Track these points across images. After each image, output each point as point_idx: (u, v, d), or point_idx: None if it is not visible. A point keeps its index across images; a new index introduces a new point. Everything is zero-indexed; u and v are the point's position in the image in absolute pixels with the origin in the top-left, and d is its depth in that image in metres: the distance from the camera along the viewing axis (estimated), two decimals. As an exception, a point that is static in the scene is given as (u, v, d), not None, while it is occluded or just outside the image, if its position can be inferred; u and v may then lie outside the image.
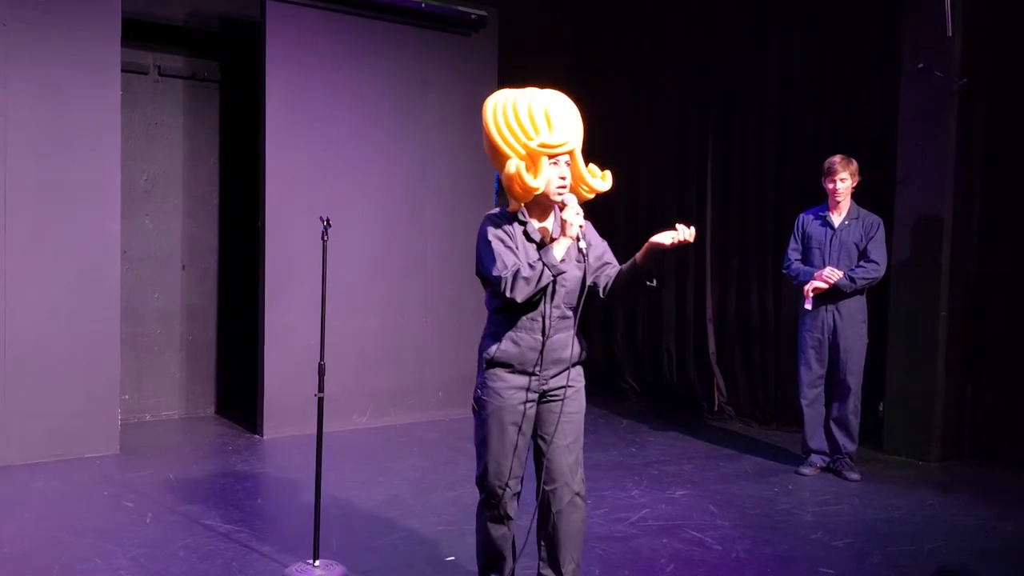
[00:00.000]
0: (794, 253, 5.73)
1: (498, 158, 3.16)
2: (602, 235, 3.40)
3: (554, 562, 3.28)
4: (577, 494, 3.29)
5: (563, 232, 3.08)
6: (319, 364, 3.93)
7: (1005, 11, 5.87)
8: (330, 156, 6.59)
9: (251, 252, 6.67)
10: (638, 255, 3.15)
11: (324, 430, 3.96)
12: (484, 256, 3.15)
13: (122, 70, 5.87)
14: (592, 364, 8.43)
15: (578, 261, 3.18)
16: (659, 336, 7.87)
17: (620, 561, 4.12)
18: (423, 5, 6.77)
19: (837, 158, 5.53)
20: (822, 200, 5.69)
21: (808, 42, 6.75)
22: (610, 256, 3.34)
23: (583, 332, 3.35)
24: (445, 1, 6.89)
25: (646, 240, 3.12)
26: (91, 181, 5.71)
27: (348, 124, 6.66)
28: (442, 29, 7.00)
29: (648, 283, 3.18)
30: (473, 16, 7.01)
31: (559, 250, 3.06)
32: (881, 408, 6.23)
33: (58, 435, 5.63)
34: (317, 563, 3.81)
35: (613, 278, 3.27)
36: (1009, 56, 5.93)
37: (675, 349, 7.77)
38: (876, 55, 6.42)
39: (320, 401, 3.92)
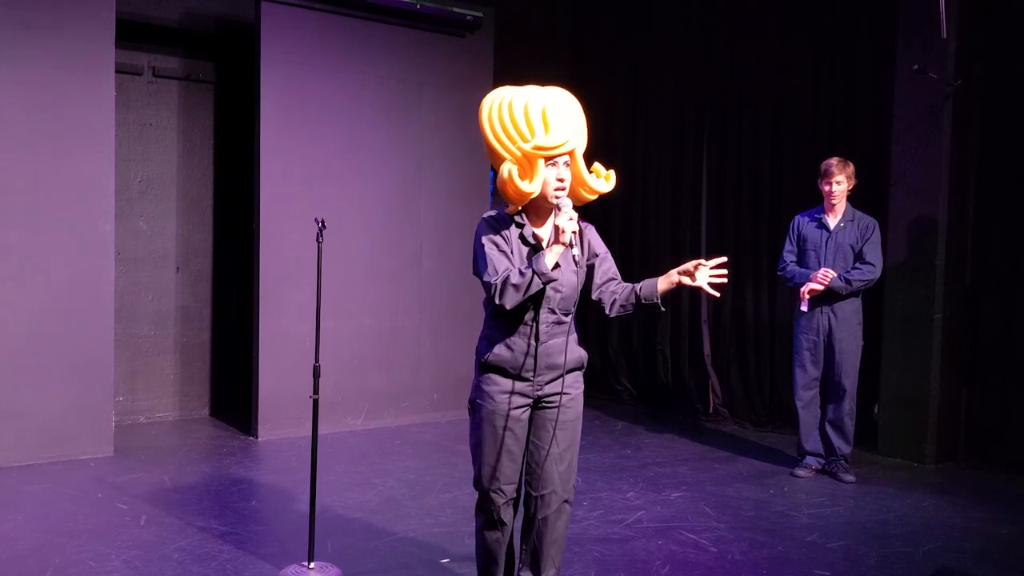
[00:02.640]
0: (789, 255, 5.73)
1: (495, 159, 3.11)
2: (599, 233, 3.36)
3: (535, 567, 3.28)
4: (566, 501, 3.28)
5: (556, 239, 2.97)
6: (314, 366, 3.91)
7: (999, 13, 5.89)
8: (325, 158, 6.58)
9: (246, 253, 6.66)
10: (660, 283, 3.15)
11: (319, 432, 3.95)
12: (478, 259, 3.12)
13: (116, 71, 5.86)
14: (587, 366, 8.49)
15: (574, 267, 3.15)
16: (654, 338, 7.87)
17: (616, 563, 4.11)
18: (418, 6, 6.76)
19: (834, 160, 5.53)
20: (818, 202, 5.69)
21: (804, 44, 6.76)
22: (614, 271, 3.30)
23: (578, 333, 3.33)
24: (440, 2, 6.88)
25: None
26: (85, 182, 5.69)
27: (343, 126, 6.66)
28: (437, 30, 7.00)
29: (662, 308, 3.19)
30: (468, 17, 7.01)
31: (550, 258, 2.97)
32: (876, 410, 6.24)
33: (52, 436, 5.61)
34: (312, 565, 3.80)
35: (620, 296, 3.24)
36: (1003, 58, 5.95)
37: (670, 351, 7.77)
38: (871, 57, 6.43)
39: (315, 403, 3.91)
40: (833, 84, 6.62)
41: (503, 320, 3.14)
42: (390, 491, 5.18)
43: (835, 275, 5.44)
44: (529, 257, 3.11)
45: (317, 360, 3.93)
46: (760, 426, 7.04)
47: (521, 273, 2.98)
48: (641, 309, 3.21)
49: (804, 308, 5.55)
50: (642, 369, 8.00)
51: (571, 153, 3.08)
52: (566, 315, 3.19)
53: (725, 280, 3.11)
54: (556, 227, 2.98)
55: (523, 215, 3.16)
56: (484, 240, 3.09)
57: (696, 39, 7.49)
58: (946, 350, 5.97)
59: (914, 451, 6.00)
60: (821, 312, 5.55)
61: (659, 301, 3.16)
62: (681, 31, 7.60)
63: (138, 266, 6.75)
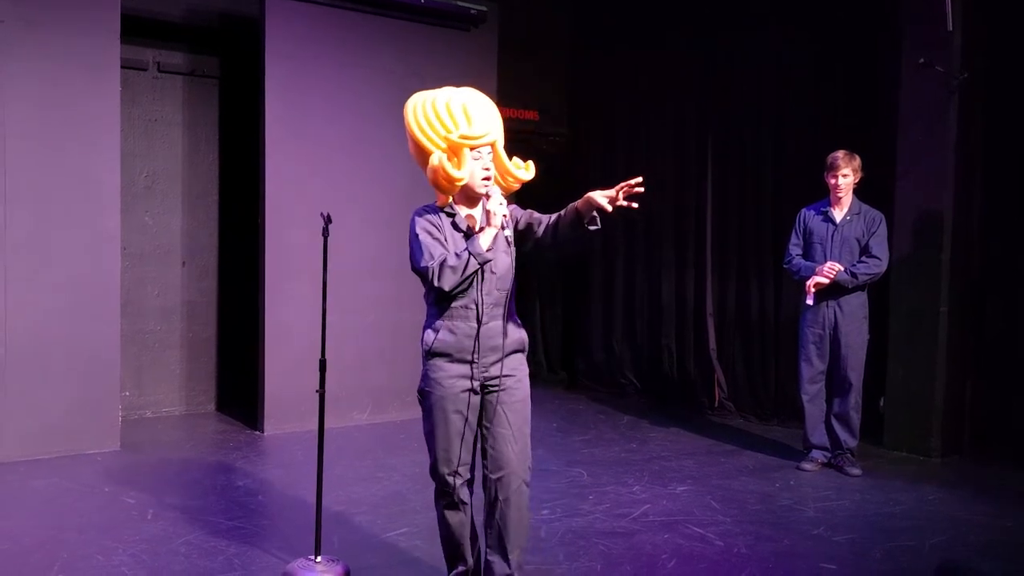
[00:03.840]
0: (795, 248, 5.72)
1: (421, 155, 3.27)
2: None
3: (501, 548, 3.35)
4: (524, 482, 3.35)
5: (488, 222, 3.21)
6: (320, 360, 3.92)
7: (1006, 6, 5.86)
8: (329, 152, 6.58)
9: (251, 248, 6.66)
10: (578, 203, 3.22)
11: (324, 427, 3.95)
12: (414, 249, 3.27)
13: (121, 66, 5.86)
14: (592, 360, 8.51)
15: (507, 248, 3.30)
16: (659, 332, 7.86)
17: (621, 557, 4.11)
18: (422, 0, 6.75)
19: (840, 153, 5.52)
20: (823, 195, 5.68)
21: (808, 37, 6.74)
22: (538, 215, 3.41)
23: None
24: (444, -4, 6.88)
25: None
26: (90, 177, 5.70)
27: (347, 120, 6.65)
28: (441, 24, 6.99)
29: (591, 226, 3.23)
30: (473, 11, 7.00)
31: (484, 239, 3.18)
32: (882, 403, 6.23)
33: (59, 432, 5.62)
34: (319, 559, 3.81)
35: (550, 221, 3.33)
36: (1010, 51, 5.92)
37: (675, 345, 7.76)
38: (877, 50, 6.40)
39: (321, 397, 3.91)
40: (839, 77, 6.59)
41: (444, 306, 3.27)
42: (395, 485, 5.19)
43: (841, 269, 5.43)
44: (464, 241, 3.26)
45: (323, 355, 3.93)
46: (766, 420, 7.03)
47: (457, 255, 3.17)
48: (574, 229, 3.26)
49: (810, 301, 5.54)
50: (647, 363, 7.99)
51: (492, 145, 3.29)
52: (504, 297, 3.32)
53: (642, 189, 3.16)
54: (487, 211, 3.23)
55: (452, 206, 3.32)
56: (418, 230, 3.27)
57: (699, 31, 7.46)
58: (952, 344, 5.95)
59: (920, 445, 5.99)
60: (827, 306, 5.54)
61: (580, 214, 3.21)
62: (685, 21, 7.57)
63: (144, 261, 6.76)
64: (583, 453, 6.03)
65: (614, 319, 8.21)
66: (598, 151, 8.15)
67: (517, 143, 8.38)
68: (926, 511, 4.88)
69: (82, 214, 5.68)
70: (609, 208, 3.17)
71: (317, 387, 3.91)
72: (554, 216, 3.35)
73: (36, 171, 5.53)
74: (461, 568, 3.48)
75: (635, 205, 3.21)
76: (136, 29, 6.31)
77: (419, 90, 3.42)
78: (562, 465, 5.68)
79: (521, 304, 8.86)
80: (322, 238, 3.84)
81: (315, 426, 3.97)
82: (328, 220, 3.84)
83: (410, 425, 6.74)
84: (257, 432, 6.41)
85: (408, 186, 6.95)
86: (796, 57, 6.82)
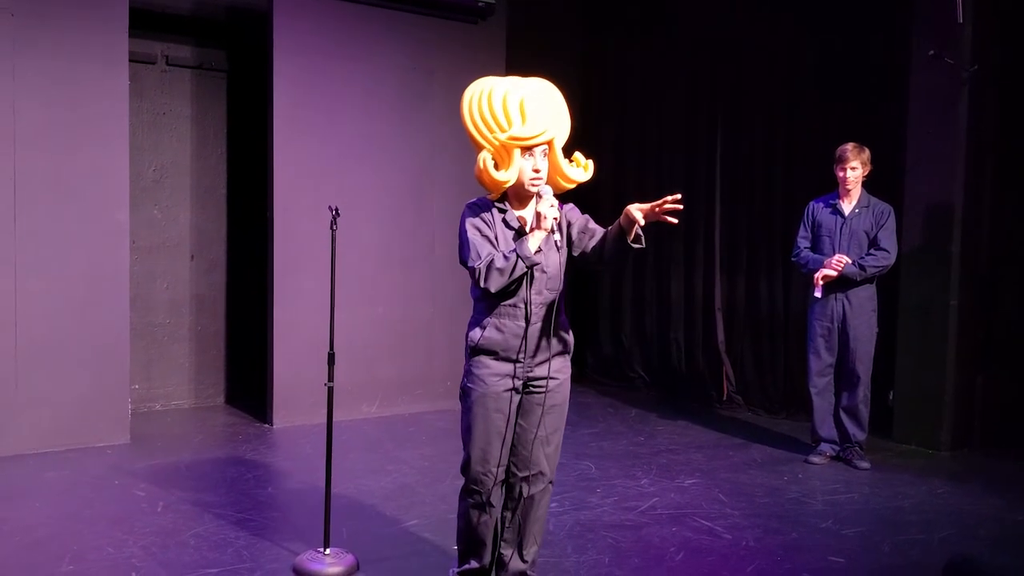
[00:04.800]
0: (803, 241, 5.71)
1: (475, 148, 3.20)
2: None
3: (519, 544, 3.36)
4: (551, 482, 3.36)
5: (538, 224, 3.10)
6: (329, 354, 3.93)
7: (1017, -3, 5.83)
8: (337, 146, 6.59)
9: (259, 242, 6.67)
10: (620, 219, 3.10)
11: (333, 420, 3.96)
12: (463, 246, 3.21)
13: (130, 60, 5.87)
14: (601, 354, 8.51)
15: (558, 247, 3.22)
16: (668, 326, 7.86)
17: (630, 549, 4.12)
18: (431, -7, 6.75)
19: (849, 146, 5.50)
20: (832, 188, 5.66)
21: (818, 30, 6.71)
22: (593, 225, 3.33)
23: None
24: (453, -11, 6.87)
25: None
26: (99, 171, 5.72)
27: (355, 113, 6.65)
28: (450, 17, 6.98)
29: (634, 244, 3.10)
30: (481, 4, 6.98)
31: (533, 242, 3.08)
32: (891, 397, 6.22)
33: (69, 424, 5.65)
34: (328, 551, 3.82)
35: (599, 238, 3.25)
36: (1020, 43, 5.89)
37: (684, 339, 7.76)
38: (887, 42, 6.38)
39: (330, 390, 3.92)
40: (848, 70, 6.56)
41: (492, 304, 3.21)
42: (404, 478, 5.20)
43: (848, 261, 5.41)
44: (514, 241, 3.19)
45: (332, 348, 3.94)
46: (774, 413, 7.03)
47: (505, 257, 3.08)
48: (620, 251, 3.14)
49: (818, 294, 5.53)
50: (656, 356, 7.99)
51: (549, 143, 3.17)
52: (553, 297, 3.26)
53: (681, 207, 3.01)
54: (537, 213, 3.12)
55: (505, 201, 3.24)
56: (468, 226, 3.19)
57: (709, 23, 7.44)
58: (961, 337, 5.94)
59: (929, 438, 5.98)
60: (835, 299, 5.52)
61: (623, 231, 3.08)
62: (695, 15, 7.55)
63: (153, 255, 6.78)
64: (592, 446, 6.03)
65: (623, 312, 8.20)
66: (608, 144, 8.14)
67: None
68: (935, 504, 4.87)
69: (91, 208, 5.70)
70: (643, 222, 3.03)
71: (326, 380, 3.92)
72: (602, 232, 3.23)
73: (45, 165, 5.54)
74: (474, 564, 3.44)
75: (674, 221, 3.07)
76: (144, 23, 6.32)
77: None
78: (570, 458, 5.68)
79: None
80: (330, 231, 3.84)
81: (324, 419, 3.98)
82: (336, 213, 3.84)
83: (419, 418, 6.76)
84: (266, 425, 6.43)
85: (416, 179, 6.97)
86: (806, 50, 6.80)
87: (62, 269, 5.62)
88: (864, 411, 5.57)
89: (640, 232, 3.07)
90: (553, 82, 3.27)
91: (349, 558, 3.81)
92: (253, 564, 3.87)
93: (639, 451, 5.95)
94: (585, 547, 4.12)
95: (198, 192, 6.96)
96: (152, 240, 6.77)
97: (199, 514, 4.49)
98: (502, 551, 3.39)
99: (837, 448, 5.66)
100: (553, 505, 4.69)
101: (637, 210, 3.02)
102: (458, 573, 3.49)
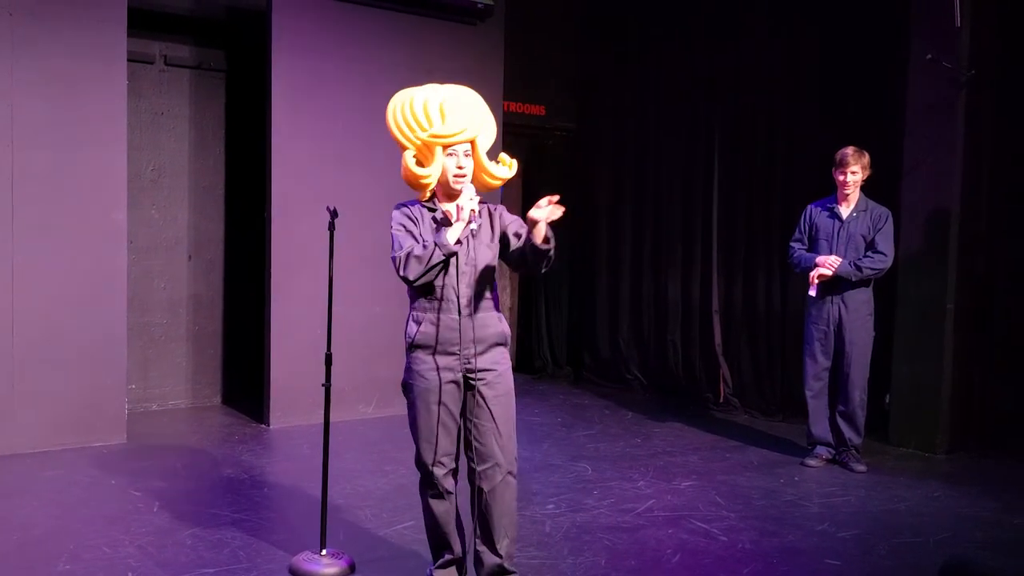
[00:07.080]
0: (797, 243, 5.71)
1: (400, 149, 3.35)
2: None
3: (488, 539, 3.38)
4: (509, 473, 3.38)
5: (457, 216, 3.25)
6: (326, 354, 3.93)
7: (1013, 2, 5.84)
8: (336, 146, 6.59)
9: (257, 242, 6.67)
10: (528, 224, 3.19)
11: (330, 420, 3.96)
12: (392, 242, 3.33)
13: (128, 59, 5.87)
14: (598, 356, 8.51)
15: (490, 243, 3.34)
16: (665, 328, 7.86)
17: (626, 551, 4.12)
18: (429, -6, 6.76)
19: (850, 150, 5.49)
20: (830, 191, 5.67)
21: (816, 33, 6.73)
22: (520, 229, 3.38)
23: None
24: (451, -10, 6.87)
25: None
26: (97, 170, 5.71)
27: (353, 114, 6.65)
28: (448, 19, 6.98)
29: (543, 246, 3.14)
30: (479, 5, 6.99)
31: (452, 233, 3.22)
32: (887, 400, 6.23)
33: (65, 424, 5.64)
34: (324, 552, 3.82)
35: (518, 244, 3.34)
36: (1018, 47, 5.90)
37: (680, 341, 7.76)
38: (884, 46, 6.39)
39: (327, 391, 3.92)
40: (845, 73, 6.57)
41: (426, 299, 3.32)
42: (401, 479, 5.20)
43: (841, 260, 5.41)
44: (434, 232, 3.32)
45: (329, 348, 3.94)
46: (770, 416, 7.03)
47: (424, 246, 3.23)
48: (533, 254, 3.20)
49: (813, 293, 5.53)
50: (653, 358, 7.99)
51: (472, 143, 3.32)
52: (485, 290, 3.35)
53: (561, 208, 3.10)
54: (457, 206, 3.28)
55: (434, 200, 3.39)
56: (394, 224, 3.37)
57: (708, 26, 7.45)
58: (958, 340, 5.94)
59: (926, 441, 5.98)
60: (832, 302, 5.53)
61: (533, 240, 3.13)
62: (693, 15, 7.56)
63: (150, 255, 6.77)
64: (588, 448, 6.04)
65: (620, 315, 8.20)
66: (606, 147, 8.15)
67: (523, 138, 8.42)
68: (931, 507, 4.88)
69: (89, 207, 5.69)
70: (543, 221, 3.08)
71: (323, 380, 3.92)
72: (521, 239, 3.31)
73: (43, 165, 5.54)
74: (448, 556, 3.52)
75: (558, 214, 3.11)
76: (143, 22, 6.32)
77: (425, 84, 3.43)
78: (567, 460, 5.69)
79: (527, 299, 8.89)
80: (328, 231, 3.84)
81: (321, 419, 3.98)
82: (334, 214, 3.85)
83: (415, 419, 6.75)
84: (263, 425, 6.43)
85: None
86: (804, 53, 6.81)
87: (59, 268, 5.61)
88: (860, 415, 5.57)
89: (549, 233, 3.15)
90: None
91: (345, 559, 3.81)
92: (249, 564, 3.86)
93: (635, 453, 5.95)
94: (581, 549, 4.12)
95: (196, 192, 6.96)
96: (150, 240, 6.76)
97: (195, 514, 4.48)
98: (477, 548, 3.42)
99: (833, 451, 5.67)
100: (549, 506, 4.70)
101: (534, 210, 3.12)
102: (435, 568, 3.54)
